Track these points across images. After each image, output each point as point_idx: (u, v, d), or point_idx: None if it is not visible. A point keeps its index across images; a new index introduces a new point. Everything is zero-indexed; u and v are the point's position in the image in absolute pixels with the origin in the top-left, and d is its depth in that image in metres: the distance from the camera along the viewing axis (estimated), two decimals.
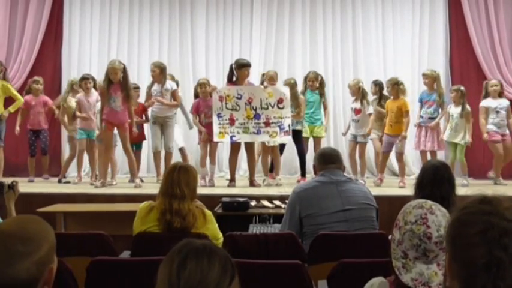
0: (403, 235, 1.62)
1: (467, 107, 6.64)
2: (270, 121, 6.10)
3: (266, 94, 6.12)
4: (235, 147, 6.39)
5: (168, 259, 1.28)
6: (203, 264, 1.23)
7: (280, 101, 6.13)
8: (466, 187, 6.17)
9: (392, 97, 6.59)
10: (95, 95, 6.69)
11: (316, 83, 6.90)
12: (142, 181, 6.66)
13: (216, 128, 6.10)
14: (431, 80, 6.63)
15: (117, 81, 5.99)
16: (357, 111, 6.77)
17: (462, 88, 6.70)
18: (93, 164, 6.87)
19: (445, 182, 2.98)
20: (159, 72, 6.61)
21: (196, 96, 6.71)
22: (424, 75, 6.80)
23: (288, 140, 6.56)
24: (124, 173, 7.90)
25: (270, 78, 6.47)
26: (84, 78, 6.78)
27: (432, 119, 6.58)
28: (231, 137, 6.13)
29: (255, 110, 6.07)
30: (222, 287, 1.22)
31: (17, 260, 1.34)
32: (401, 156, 6.59)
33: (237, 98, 6.07)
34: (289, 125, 6.17)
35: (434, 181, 2.97)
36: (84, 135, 6.83)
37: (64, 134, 7.82)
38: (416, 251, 1.59)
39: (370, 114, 6.80)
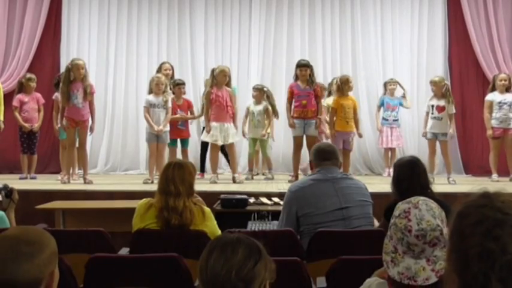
0: (390, 230, 1.65)
1: None
2: None
3: None
4: (298, 144, 6.45)
5: (203, 251, 1.46)
6: (227, 252, 1.41)
7: None
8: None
9: (336, 94, 6.71)
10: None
11: None
12: None
13: None
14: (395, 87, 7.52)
15: (79, 79, 6.09)
16: (440, 109, 6.57)
17: None
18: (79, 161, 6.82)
19: (421, 173, 3.21)
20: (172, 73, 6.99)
21: None
22: (394, 82, 7.56)
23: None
24: (123, 170, 7.93)
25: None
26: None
27: (396, 121, 7.49)
28: None
29: None
30: (245, 268, 1.39)
31: (21, 260, 1.43)
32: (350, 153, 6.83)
33: None
34: None
35: (413, 174, 3.18)
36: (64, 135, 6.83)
37: None
38: (402, 244, 1.61)
39: (452, 114, 6.63)
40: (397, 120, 7.52)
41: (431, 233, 1.58)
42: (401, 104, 7.57)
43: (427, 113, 6.70)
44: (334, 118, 6.57)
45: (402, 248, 1.61)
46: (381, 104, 7.59)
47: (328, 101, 7.15)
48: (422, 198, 1.68)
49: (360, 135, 6.90)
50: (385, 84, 7.69)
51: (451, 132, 6.62)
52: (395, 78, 7.72)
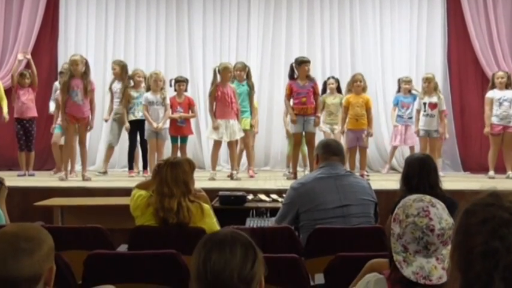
0: (404, 228, 1.61)
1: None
2: None
3: None
4: (297, 141, 6.43)
5: (196, 252, 1.41)
6: (226, 253, 1.37)
7: None
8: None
9: (351, 92, 6.70)
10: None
11: (243, 74, 6.76)
12: None
13: None
14: (409, 86, 7.35)
15: (78, 75, 6.10)
16: (432, 106, 6.62)
17: None
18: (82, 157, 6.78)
19: (431, 171, 3.21)
20: (119, 70, 6.82)
21: None
22: (409, 81, 7.36)
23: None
24: (121, 166, 7.92)
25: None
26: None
27: (410, 118, 7.20)
28: None
29: None
30: (244, 270, 1.36)
31: (21, 256, 1.45)
32: (366, 150, 6.84)
33: None
34: None
35: (422, 172, 3.19)
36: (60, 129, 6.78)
37: None
38: (418, 244, 1.58)
39: (443, 111, 6.65)
40: (411, 117, 7.30)
41: (448, 232, 1.57)
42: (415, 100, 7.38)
43: (418, 111, 6.76)
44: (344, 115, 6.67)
45: (416, 247, 1.58)
46: (396, 103, 7.43)
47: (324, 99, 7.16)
48: (428, 196, 1.67)
49: (370, 134, 6.85)
50: (399, 82, 7.52)
51: (441, 131, 6.59)
52: (410, 77, 7.58)
